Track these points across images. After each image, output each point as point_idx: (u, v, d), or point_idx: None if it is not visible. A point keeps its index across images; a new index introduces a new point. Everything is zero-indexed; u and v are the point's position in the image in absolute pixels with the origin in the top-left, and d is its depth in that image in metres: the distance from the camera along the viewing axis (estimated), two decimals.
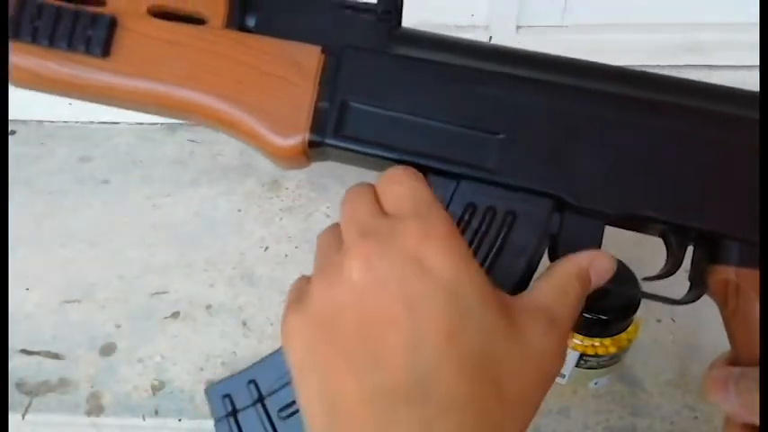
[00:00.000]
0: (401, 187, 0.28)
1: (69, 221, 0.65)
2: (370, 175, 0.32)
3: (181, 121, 0.74)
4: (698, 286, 0.32)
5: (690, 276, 0.33)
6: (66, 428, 0.53)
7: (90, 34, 0.29)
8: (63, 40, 0.30)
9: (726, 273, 0.31)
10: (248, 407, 0.32)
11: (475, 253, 0.29)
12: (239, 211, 0.66)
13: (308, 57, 0.30)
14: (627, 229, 0.33)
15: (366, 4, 0.31)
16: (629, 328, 0.47)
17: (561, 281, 0.28)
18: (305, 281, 0.28)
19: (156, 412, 0.51)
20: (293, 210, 0.65)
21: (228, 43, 0.30)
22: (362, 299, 0.25)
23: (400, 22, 0.31)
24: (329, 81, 0.30)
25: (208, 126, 0.32)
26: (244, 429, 0.32)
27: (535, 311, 0.27)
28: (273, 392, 0.32)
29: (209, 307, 0.57)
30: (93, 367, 0.53)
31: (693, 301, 0.33)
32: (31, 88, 0.33)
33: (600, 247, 0.30)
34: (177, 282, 0.59)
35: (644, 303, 0.45)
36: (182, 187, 0.68)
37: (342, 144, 0.30)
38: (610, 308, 0.45)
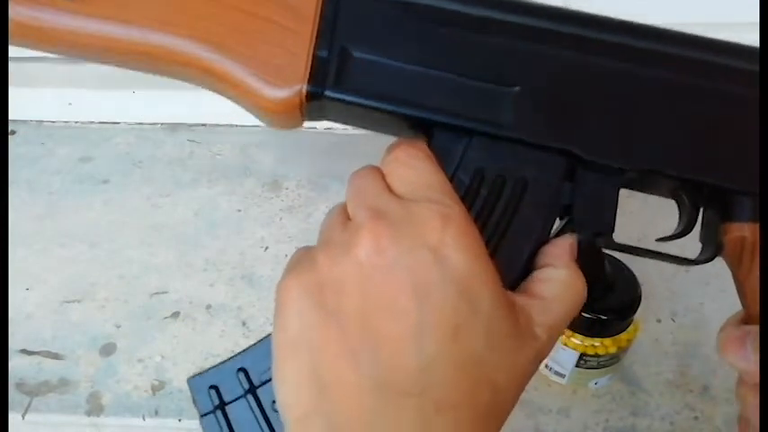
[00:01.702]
0: (412, 170, 0.26)
1: (69, 221, 0.65)
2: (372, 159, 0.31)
3: (181, 121, 0.74)
4: (711, 246, 0.32)
5: (701, 238, 0.32)
6: (67, 428, 0.53)
7: None
8: None
9: (739, 230, 0.30)
10: (238, 398, 0.29)
11: (482, 230, 0.27)
12: (239, 211, 0.66)
13: (305, 0, 0.27)
14: (640, 189, 0.32)
15: None
16: (629, 328, 0.47)
17: (561, 276, 0.27)
18: (306, 252, 0.26)
19: (156, 412, 0.51)
20: (293, 210, 0.65)
21: None
22: (368, 282, 0.24)
23: None
24: (328, 27, 0.27)
25: (190, 80, 0.29)
26: (234, 424, 0.29)
27: (536, 311, 0.26)
28: (266, 382, 0.29)
29: (209, 307, 0.57)
30: (93, 367, 0.53)
31: (708, 261, 0.32)
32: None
33: (616, 212, 0.29)
34: (177, 282, 0.59)
35: (644, 303, 0.45)
36: (182, 187, 0.68)
37: (343, 97, 0.28)
38: (610, 308, 0.45)
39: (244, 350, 0.30)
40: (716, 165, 0.29)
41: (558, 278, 0.27)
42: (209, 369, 0.30)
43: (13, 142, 0.74)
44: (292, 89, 0.27)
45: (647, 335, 0.53)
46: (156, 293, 0.59)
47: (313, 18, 0.27)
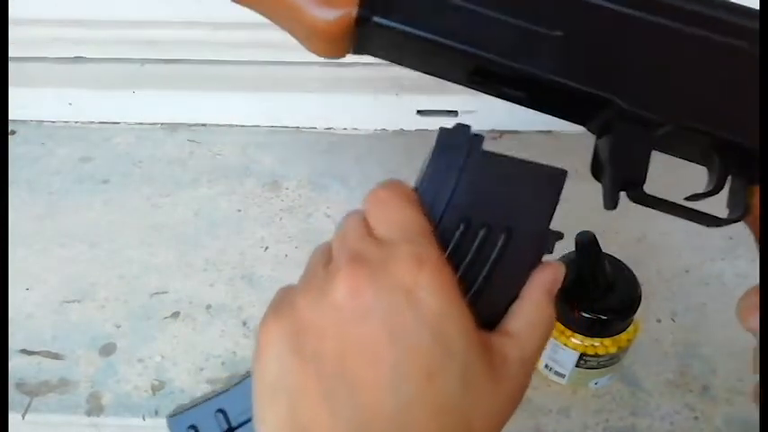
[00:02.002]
0: (392, 211, 0.27)
1: (69, 221, 0.65)
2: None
3: (181, 121, 0.74)
4: (739, 208, 0.32)
5: (728, 203, 0.33)
6: (67, 428, 0.53)
7: None
8: None
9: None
10: None
11: (463, 272, 0.27)
12: (239, 211, 0.66)
13: None
14: (671, 149, 0.33)
15: None
16: (629, 328, 0.47)
17: (533, 312, 0.28)
18: (287, 293, 0.27)
19: (156, 412, 0.51)
20: (293, 210, 0.65)
21: None
22: (345, 327, 0.24)
23: None
24: None
25: (242, 2, 0.31)
26: None
27: (510, 350, 0.27)
28: (244, 423, 0.29)
29: (209, 307, 0.57)
30: (93, 367, 0.53)
31: (736, 221, 0.32)
32: None
33: (648, 165, 0.30)
34: (177, 282, 0.59)
35: (644, 303, 0.45)
36: (182, 187, 0.68)
37: (392, 24, 0.28)
38: (610, 308, 0.45)
39: (223, 391, 0.30)
40: (748, 127, 0.29)
41: (529, 313, 0.28)
42: (188, 409, 0.30)
43: (13, 142, 0.74)
44: (343, 11, 0.28)
45: (647, 335, 0.53)
46: (156, 293, 0.59)
47: None
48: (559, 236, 0.28)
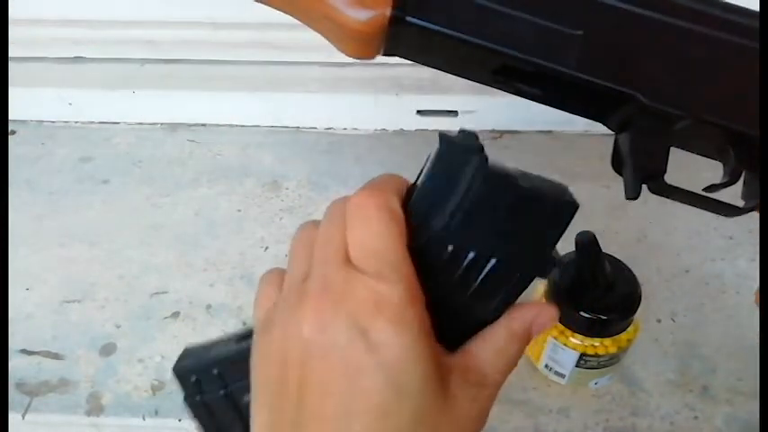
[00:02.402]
0: (369, 231, 0.26)
1: (69, 221, 0.65)
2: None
3: (181, 121, 0.74)
4: (754, 199, 0.33)
5: (743, 195, 0.34)
6: (67, 428, 0.53)
7: None
8: None
9: None
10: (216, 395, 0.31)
11: (449, 290, 0.27)
12: (239, 211, 0.66)
13: None
14: (688, 145, 0.34)
15: None
16: (629, 328, 0.47)
17: (501, 343, 0.28)
18: (269, 312, 0.28)
19: (156, 412, 0.51)
20: (293, 210, 0.65)
21: None
22: (308, 359, 0.25)
23: None
24: None
25: (282, 7, 0.32)
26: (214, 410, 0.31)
27: (470, 376, 0.27)
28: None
29: (209, 307, 0.57)
30: (93, 367, 0.53)
31: (752, 210, 0.34)
32: None
33: (667, 157, 0.32)
34: (177, 282, 0.59)
35: (644, 303, 0.45)
36: (182, 187, 0.68)
37: (424, 23, 0.29)
38: (610, 308, 0.45)
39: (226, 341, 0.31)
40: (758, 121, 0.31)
41: (499, 341, 0.28)
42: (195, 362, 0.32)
43: (13, 142, 0.74)
44: (377, 11, 0.29)
45: (647, 335, 0.53)
46: (156, 293, 0.59)
47: None
48: (556, 263, 0.28)
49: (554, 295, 0.46)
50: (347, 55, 0.32)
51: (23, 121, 0.76)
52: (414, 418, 0.24)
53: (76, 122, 0.76)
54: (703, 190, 0.34)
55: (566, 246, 0.41)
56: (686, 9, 0.31)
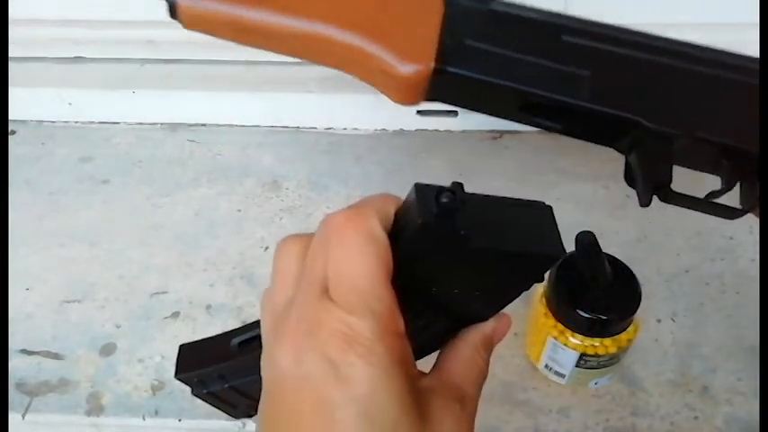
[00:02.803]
0: (346, 261, 0.26)
1: (69, 221, 0.65)
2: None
3: (181, 121, 0.74)
4: (750, 202, 0.38)
5: (741, 201, 0.39)
6: (67, 428, 0.53)
7: None
8: None
9: None
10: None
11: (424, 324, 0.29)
12: (239, 211, 0.66)
13: (434, 2, 0.36)
14: (687, 162, 0.39)
15: None
16: (629, 328, 0.47)
17: (468, 355, 0.29)
18: (266, 333, 0.28)
19: (156, 412, 0.51)
20: (293, 210, 0.65)
21: None
22: (283, 392, 0.25)
23: None
24: (449, 23, 0.35)
25: (335, 65, 0.37)
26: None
27: (448, 394, 0.27)
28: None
29: (209, 307, 0.57)
30: (93, 367, 0.53)
31: (749, 212, 0.39)
32: (197, 29, 0.37)
33: (672, 169, 0.37)
34: (177, 282, 0.59)
35: (644, 303, 0.45)
36: (182, 187, 0.68)
37: (461, 72, 0.35)
38: (610, 308, 0.45)
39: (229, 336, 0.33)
40: (749, 136, 0.36)
41: (464, 354, 0.29)
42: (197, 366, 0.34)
43: (13, 142, 0.74)
44: (422, 65, 0.34)
45: (647, 335, 0.53)
46: (156, 293, 0.59)
47: (439, 15, 0.35)
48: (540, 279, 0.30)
49: (554, 295, 0.46)
50: (395, 101, 0.37)
51: (23, 121, 0.76)
52: None
53: (76, 122, 0.76)
54: (705, 197, 0.39)
55: (566, 246, 0.41)
56: (671, 49, 0.37)
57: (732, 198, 0.38)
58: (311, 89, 0.71)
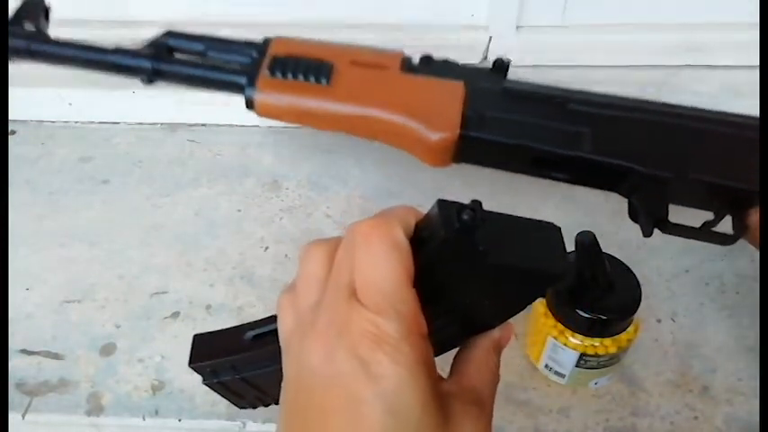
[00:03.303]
0: (372, 265, 0.27)
1: (69, 221, 0.65)
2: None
3: (181, 121, 0.74)
4: (741, 230, 0.43)
5: (733, 228, 0.44)
6: (67, 428, 0.53)
7: (318, 72, 0.44)
8: (301, 74, 0.44)
9: (755, 214, 0.42)
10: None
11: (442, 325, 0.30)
12: (239, 211, 0.66)
13: (457, 86, 0.44)
14: (681, 200, 0.44)
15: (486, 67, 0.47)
16: (629, 328, 0.47)
17: (482, 360, 0.30)
18: (290, 333, 0.29)
19: (156, 412, 0.51)
20: (293, 210, 0.65)
21: (406, 81, 0.45)
22: (315, 387, 0.26)
23: (506, 76, 0.46)
24: (470, 100, 0.44)
25: (380, 138, 0.45)
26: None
27: (467, 398, 0.28)
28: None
29: (209, 307, 0.57)
30: (93, 367, 0.54)
31: (740, 238, 0.44)
32: (271, 117, 0.45)
33: (668, 206, 0.43)
34: (177, 282, 0.59)
35: (644, 303, 0.45)
36: (182, 187, 0.68)
37: (483, 136, 0.43)
38: (610, 308, 0.45)
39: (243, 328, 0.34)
40: (737, 174, 0.42)
41: (477, 357, 0.30)
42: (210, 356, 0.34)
43: (13, 142, 0.74)
44: (449, 132, 0.43)
45: (647, 335, 0.53)
46: (156, 293, 0.59)
47: (462, 95, 0.44)
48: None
49: (554, 295, 0.46)
50: (429, 165, 0.45)
51: (23, 121, 0.76)
52: None
53: (76, 122, 0.76)
54: (701, 227, 0.44)
55: (566, 246, 0.41)
56: (661, 110, 0.44)
57: (725, 226, 0.44)
58: None
